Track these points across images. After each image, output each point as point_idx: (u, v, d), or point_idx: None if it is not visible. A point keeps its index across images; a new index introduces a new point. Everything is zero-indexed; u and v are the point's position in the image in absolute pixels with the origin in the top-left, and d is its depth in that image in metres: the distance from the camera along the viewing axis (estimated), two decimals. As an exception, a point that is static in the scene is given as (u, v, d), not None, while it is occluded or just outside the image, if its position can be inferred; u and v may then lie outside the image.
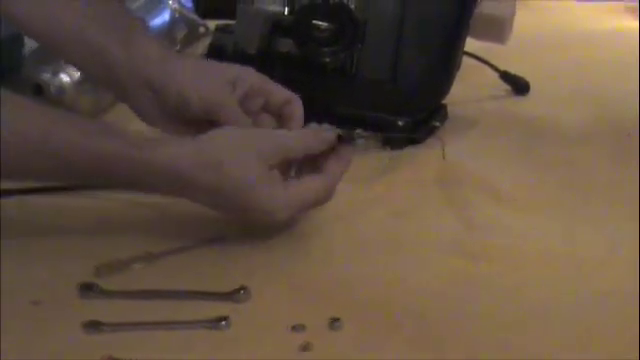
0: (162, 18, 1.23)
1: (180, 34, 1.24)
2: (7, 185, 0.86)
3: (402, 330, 0.68)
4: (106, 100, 1.10)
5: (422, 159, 0.99)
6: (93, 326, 0.68)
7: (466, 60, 1.11)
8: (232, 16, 1.04)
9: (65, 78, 1.09)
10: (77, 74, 1.09)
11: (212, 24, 1.23)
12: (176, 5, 1.30)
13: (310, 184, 0.80)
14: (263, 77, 0.89)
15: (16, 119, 0.77)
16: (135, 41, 0.89)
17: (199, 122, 0.87)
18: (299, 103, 0.88)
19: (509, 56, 1.20)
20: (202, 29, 1.27)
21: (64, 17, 0.91)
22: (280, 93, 0.89)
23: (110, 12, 0.92)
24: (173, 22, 1.24)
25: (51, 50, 0.97)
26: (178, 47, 1.24)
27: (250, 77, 0.89)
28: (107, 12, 0.92)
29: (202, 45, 1.18)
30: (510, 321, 0.70)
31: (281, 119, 0.88)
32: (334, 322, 0.68)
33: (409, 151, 1.01)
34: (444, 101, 1.07)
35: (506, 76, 1.21)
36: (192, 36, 1.25)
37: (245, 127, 0.85)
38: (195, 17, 1.31)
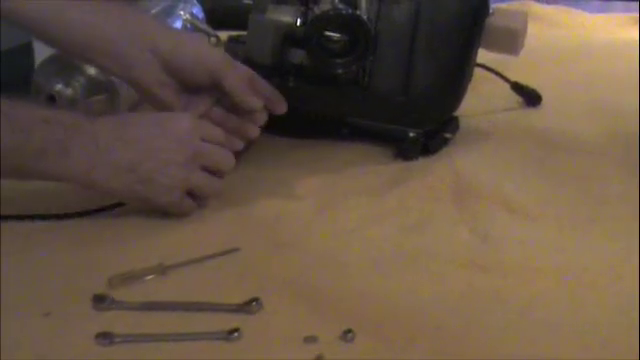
0: (174, 29, 1.23)
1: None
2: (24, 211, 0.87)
3: (417, 344, 0.68)
4: (117, 110, 1.11)
5: (434, 171, 0.99)
6: (106, 337, 0.68)
7: (478, 71, 1.10)
8: (244, 27, 1.04)
9: (77, 88, 1.09)
10: (89, 82, 1.10)
11: (224, 35, 1.24)
12: (188, 16, 1.30)
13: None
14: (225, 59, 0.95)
15: None
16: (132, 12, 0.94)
17: (196, 89, 0.94)
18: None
19: (521, 68, 1.20)
20: (214, 40, 1.28)
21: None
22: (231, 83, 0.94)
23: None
24: (185, 33, 1.24)
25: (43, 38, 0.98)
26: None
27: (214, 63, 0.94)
28: None
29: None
30: (524, 335, 0.69)
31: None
32: (347, 334, 0.68)
33: (421, 162, 1.01)
34: (456, 112, 1.07)
35: (518, 88, 1.20)
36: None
37: None
38: (207, 28, 1.32)
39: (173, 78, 0.93)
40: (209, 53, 0.95)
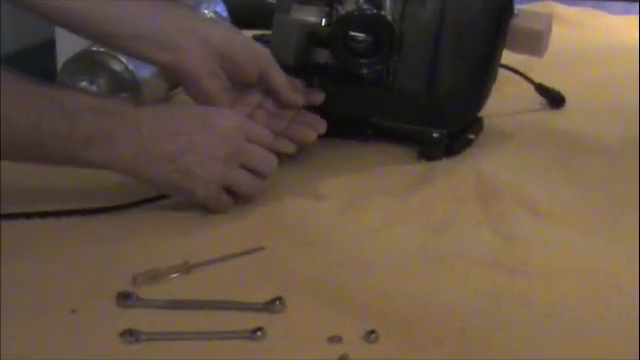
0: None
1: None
2: (53, 207, 0.88)
3: (442, 345, 0.68)
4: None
5: (458, 171, 0.99)
6: (130, 335, 0.68)
7: (502, 72, 1.10)
8: (269, 26, 1.04)
9: (102, 86, 1.10)
10: (113, 81, 1.10)
11: (248, 34, 1.24)
12: (212, 14, 1.30)
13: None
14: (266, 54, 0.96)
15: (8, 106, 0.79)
16: (177, 6, 0.94)
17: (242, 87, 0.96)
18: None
19: (545, 69, 1.20)
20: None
21: None
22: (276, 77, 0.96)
23: None
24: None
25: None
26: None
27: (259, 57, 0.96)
28: None
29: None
30: (549, 337, 0.69)
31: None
32: (370, 334, 0.68)
33: (444, 163, 1.01)
34: (480, 113, 1.07)
35: (542, 89, 1.20)
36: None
37: None
38: (231, 26, 1.32)
39: (224, 72, 0.93)
40: (259, 48, 0.96)
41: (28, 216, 0.86)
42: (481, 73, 1.04)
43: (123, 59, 1.11)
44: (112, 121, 0.83)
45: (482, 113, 1.07)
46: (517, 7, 1.04)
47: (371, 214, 0.89)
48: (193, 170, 0.85)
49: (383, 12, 0.97)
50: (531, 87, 1.19)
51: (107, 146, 0.83)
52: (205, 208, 0.88)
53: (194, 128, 0.86)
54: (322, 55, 0.99)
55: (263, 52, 0.95)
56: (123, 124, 0.84)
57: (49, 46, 2.51)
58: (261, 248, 0.81)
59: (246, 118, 0.91)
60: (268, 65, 0.95)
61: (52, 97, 0.82)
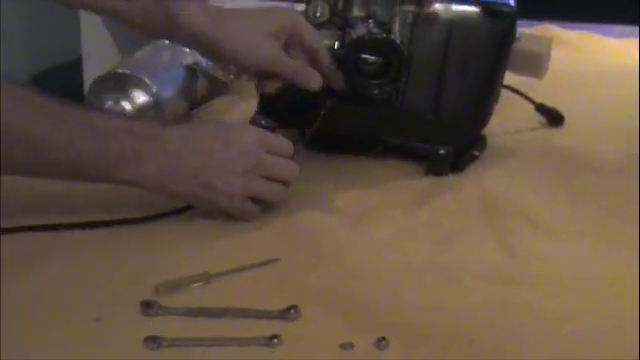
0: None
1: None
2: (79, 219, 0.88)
3: (450, 353, 0.67)
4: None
5: (463, 187, 0.98)
6: (153, 341, 0.68)
7: (504, 93, 1.10)
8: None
9: (127, 106, 1.10)
10: (137, 101, 1.11)
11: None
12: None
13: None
14: (296, 19, 0.98)
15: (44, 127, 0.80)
16: (176, 7, 0.95)
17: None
18: (325, 52, 0.97)
19: (545, 90, 1.19)
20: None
21: None
22: (310, 37, 0.97)
23: None
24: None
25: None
26: (232, 76, 1.24)
27: (290, 22, 0.97)
28: None
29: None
30: (555, 347, 0.69)
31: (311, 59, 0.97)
32: (381, 342, 0.68)
33: (450, 179, 1.01)
34: (483, 131, 1.06)
35: (542, 109, 1.20)
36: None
37: None
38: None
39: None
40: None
41: (55, 228, 0.86)
42: (485, 93, 1.04)
43: (147, 80, 1.11)
44: (140, 141, 0.84)
45: (486, 131, 1.06)
46: (519, 31, 1.04)
47: (381, 228, 0.88)
48: (216, 184, 0.86)
49: (392, 36, 0.97)
50: (532, 107, 1.19)
51: (136, 165, 0.84)
52: (231, 217, 0.88)
53: (215, 145, 0.87)
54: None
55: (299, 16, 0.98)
56: (150, 144, 0.84)
57: (76, 65, 2.52)
58: (277, 259, 0.81)
59: (264, 132, 0.91)
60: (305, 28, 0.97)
61: (84, 118, 0.83)
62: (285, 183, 0.90)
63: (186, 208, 0.89)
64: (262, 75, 0.97)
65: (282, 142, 0.90)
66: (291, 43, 0.97)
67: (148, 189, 0.86)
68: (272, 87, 0.97)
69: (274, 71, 0.96)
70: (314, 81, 0.96)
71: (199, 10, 0.96)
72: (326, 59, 0.97)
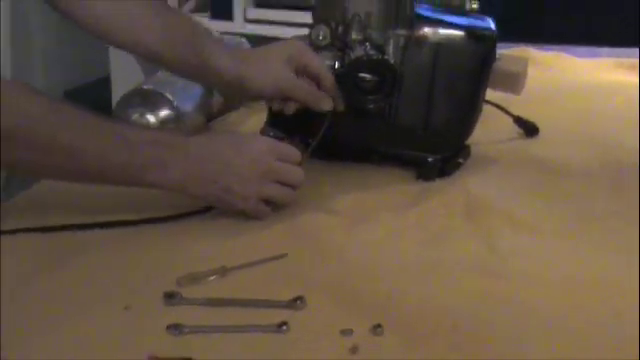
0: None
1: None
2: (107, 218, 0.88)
3: (436, 339, 0.68)
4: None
5: (449, 191, 0.98)
6: (175, 328, 0.68)
7: (486, 107, 1.10)
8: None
9: (151, 119, 1.10)
10: (160, 114, 1.11)
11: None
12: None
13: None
14: (301, 48, 0.99)
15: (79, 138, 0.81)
16: (209, 55, 0.97)
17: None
18: (328, 75, 0.97)
19: (522, 104, 1.19)
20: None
21: (147, 39, 0.97)
22: (314, 63, 0.97)
23: (183, 34, 0.99)
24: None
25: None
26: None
27: (296, 52, 0.98)
28: (181, 33, 0.99)
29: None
30: (527, 331, 0.69)
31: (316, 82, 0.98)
32: (376, 328, 0.68)
33: (438, 184, 1.01)
34: (468, 141, 1.07)
35: (519, 121, 1.20)
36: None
37: None
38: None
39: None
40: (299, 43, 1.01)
41: (89, 227, 0.87)
42: (468, 108, 1.04)
43: (169, 95, 1.11)
44: (165, 151, 0.85)
45: (470, 141, 1.06)
46: (498, 52, 1.04)
47: (377, 227, 0.89)
48: (232, 188, 0.86)
49: (387, 57, 0.97)
50: (510, 119, 1.19)
51: (161, 171, 0.84)
52: (246, 216, 0.89)
53: (231, 154, 0.87)
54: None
55: (303, 46, 0.99)
56: (174, 153, 0.85)
57: (105, 83, 2.53)
58: (284, 255, 0.81)
59: (275, 141, 0.92)
60: (309, 56, 0.98)
61: (116, 130, 0.84)
62: (293, 187, 0.90)
63: (207, 209, 0.90)
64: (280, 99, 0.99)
65: (291, 150, 0.91)
66: (299, 69, 0.98)
67: (172, 192, 0.87)
68: (285, 106, 0.99)
69: (291, 97, 0.98)
70: (325, 104, 0.97)
71: (227, 56, 0.98)
72: (330, 82, 0.97)
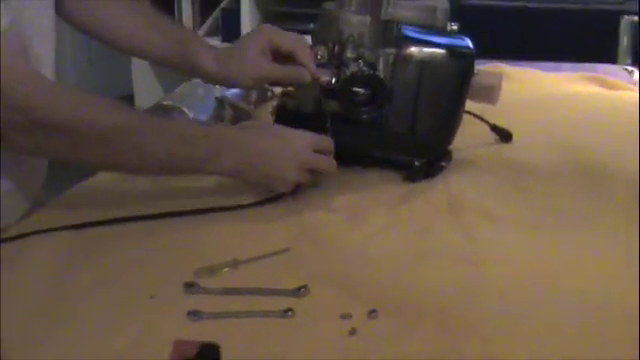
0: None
1: (254, 96, 1.25)
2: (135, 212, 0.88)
3: (425, 320, 0.68)
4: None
5: (433, 190, 0.98)
6: (195, 315, 0.68)
7: (465, 116, 1.09)
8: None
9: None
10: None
11: (278, 89, 1.24)
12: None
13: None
14: (271, 33, 0.98)
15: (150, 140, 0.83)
16: (197, 59, 0.99)
17: None
18: (301, 49, 0.96)
19: (497, 114, 1.19)
20: (270, 93, 1.28)
21: (146, 48, 1.00)
22: (286, 43, 0.97)
23: (176, 41, 1.00)
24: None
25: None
26: (252, 106, 1.25)
27: (267, 39, 0.97)
28: (167, 31, 1.01)
29: (270, 104, 1.18)
30: (503, 311, 0.69)
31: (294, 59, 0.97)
32: (372, 312, 0.68)
33: (423, 184, 1.00)
34: (449, 147, 1.07)
35: (495, 128, 1.19)
36: (262, 98, 1.27)
37: None
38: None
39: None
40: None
41: (124, 220, 0.86)
42: (450, 117, 1.03)
43: (185, 109, 1.11)
44: (218, 143, 0.87)
45: (451, 147, 1.06)
46: (476, 68, 1.04)
47: (370, 222, 0.88)
48: (274, 174, 0.89)
49: (378, 73, 0.97)
50: (487, 127, 1.19)
51: (216, 161, 0.87)
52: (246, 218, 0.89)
53: (275, 145, 0.90)
54: (333, 105, 0.99)
55: (272, 31, 0.99)
56: (226, 144, 0.87)
57: (129, 100, 2.53)
58: (287, 249, 0.81)
59: (314, 135, 0.93)
60: (280, 37, 0.98)
61: (173, 129, 0.86)
62: (327, 175, 0.93)
63: (237, 207, 0.90)
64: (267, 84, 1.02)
65: (326, 141, 0.93)
66: (275, 53, 0.98)
67: (226, 176, 0.90)
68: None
69: (273, 81, 1.00)
70: (303, 76, 0.96)
71: (212, 59, 0.99)
72: (305, 55, 0.97)
